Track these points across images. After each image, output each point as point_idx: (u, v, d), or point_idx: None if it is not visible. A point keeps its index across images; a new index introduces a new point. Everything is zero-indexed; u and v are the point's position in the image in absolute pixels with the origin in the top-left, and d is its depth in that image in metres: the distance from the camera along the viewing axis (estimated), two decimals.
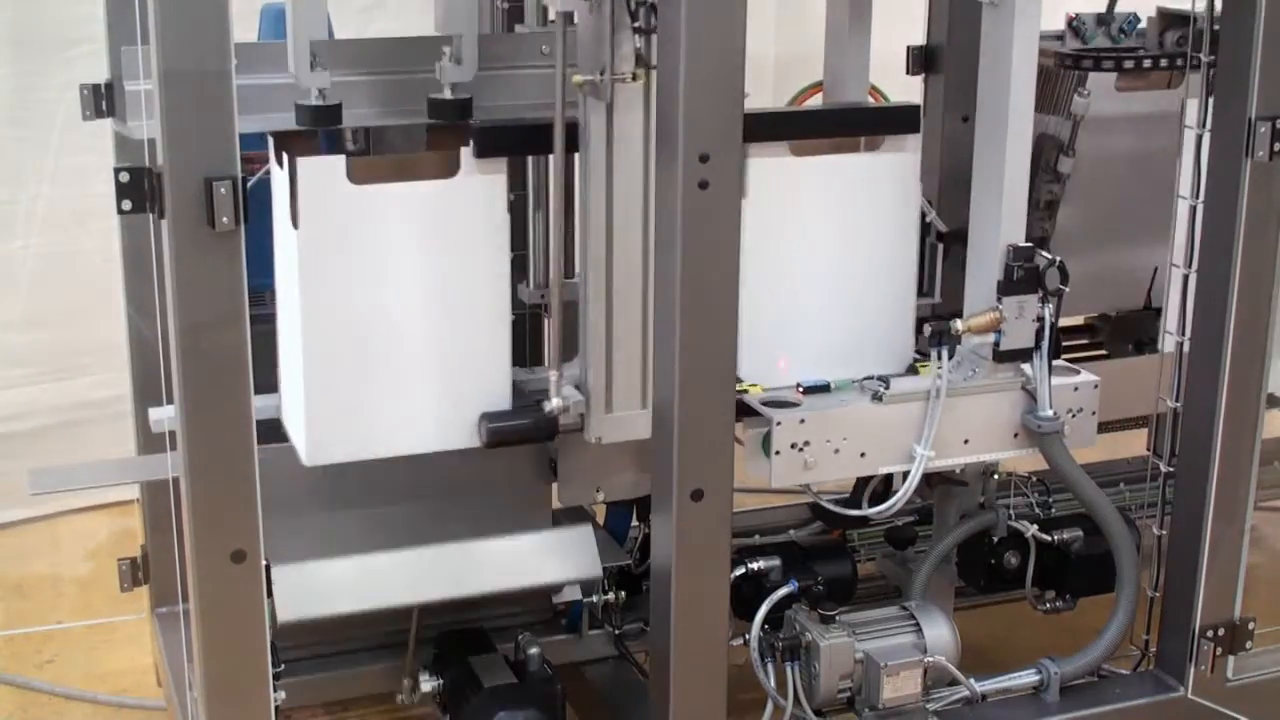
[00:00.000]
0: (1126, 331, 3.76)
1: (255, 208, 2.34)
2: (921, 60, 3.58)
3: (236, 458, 2.32)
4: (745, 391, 2.86)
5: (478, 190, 2.76)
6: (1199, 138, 2.91)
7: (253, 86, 2.66)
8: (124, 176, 2.29)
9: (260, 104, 2.71)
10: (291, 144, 2.68)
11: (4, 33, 4.31)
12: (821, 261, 2.98)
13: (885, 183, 2.99)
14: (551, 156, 2.86)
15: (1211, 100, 2.88)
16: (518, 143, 2.88)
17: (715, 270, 2.56)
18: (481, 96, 2.84)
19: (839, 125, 3.06)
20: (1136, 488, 3.59)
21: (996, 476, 3.31)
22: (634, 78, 2.71)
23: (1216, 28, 2.85)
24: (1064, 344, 3.51)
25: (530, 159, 3.17)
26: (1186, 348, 3.01)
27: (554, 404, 2.85)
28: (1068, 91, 3.36)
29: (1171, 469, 3.08)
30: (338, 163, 2.67)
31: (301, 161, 2.64)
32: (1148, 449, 3.25)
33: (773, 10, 5.02)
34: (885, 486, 3.25)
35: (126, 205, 2.30)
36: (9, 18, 4.31)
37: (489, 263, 2.81)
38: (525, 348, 3.41)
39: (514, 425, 2.84)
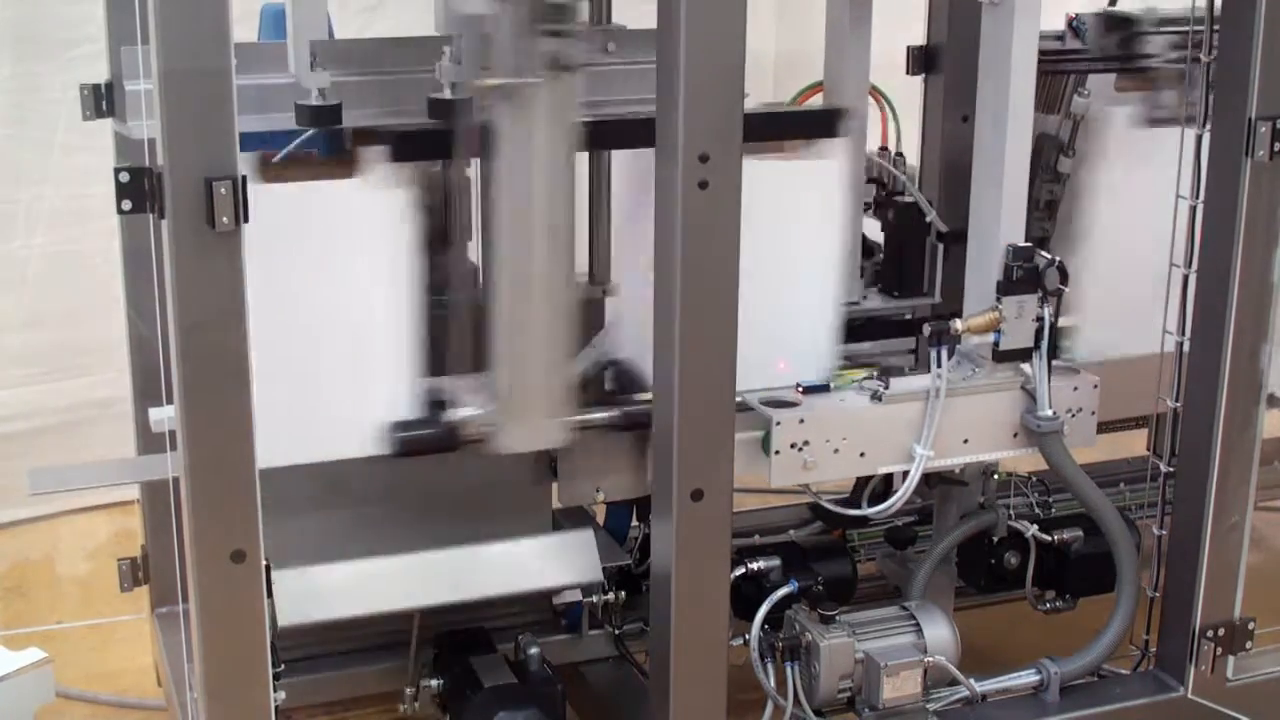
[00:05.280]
0: None
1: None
2: (921, 60, 3.58)
3: (236, 458, 2.32)
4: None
5: (380, 193, 2.69)
6: (1199, 138, 2.92)
7: (253, 86, 2.67)
8: (124, 176, 2.29)
9: (260, 104, 2.71)
10: None
11: (4, 33, 4.31)
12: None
13: (805, 189, 2.92)
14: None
15: (1211, 100, 2.88)
16: (423, 147, 2.82)
17: (715, 270, 2.56)
18: None
19: (756, 130, 2.87)
20: (1136, 488, 3.59)
21: (996, 476, 3.31)
22: (544, 80, 2.60)
23: (1216, 28, 2.85)
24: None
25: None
26: (1186, 348, 3.01)
27: (460, 413, 2.79)
28: (1068, 91, 3.36)
29: (1171, 469, 3.08)
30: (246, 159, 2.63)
31: None
32: (1148, 449, 3.25)
33: (773, 10, 5.02)
34: (885, 486, 3.26)
35: (126, 205, 2.30)
36: (9, 18, 4.31)
37: (392, 268, 2.74)
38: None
39: (421, 435, 2.78)
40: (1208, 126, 2.89)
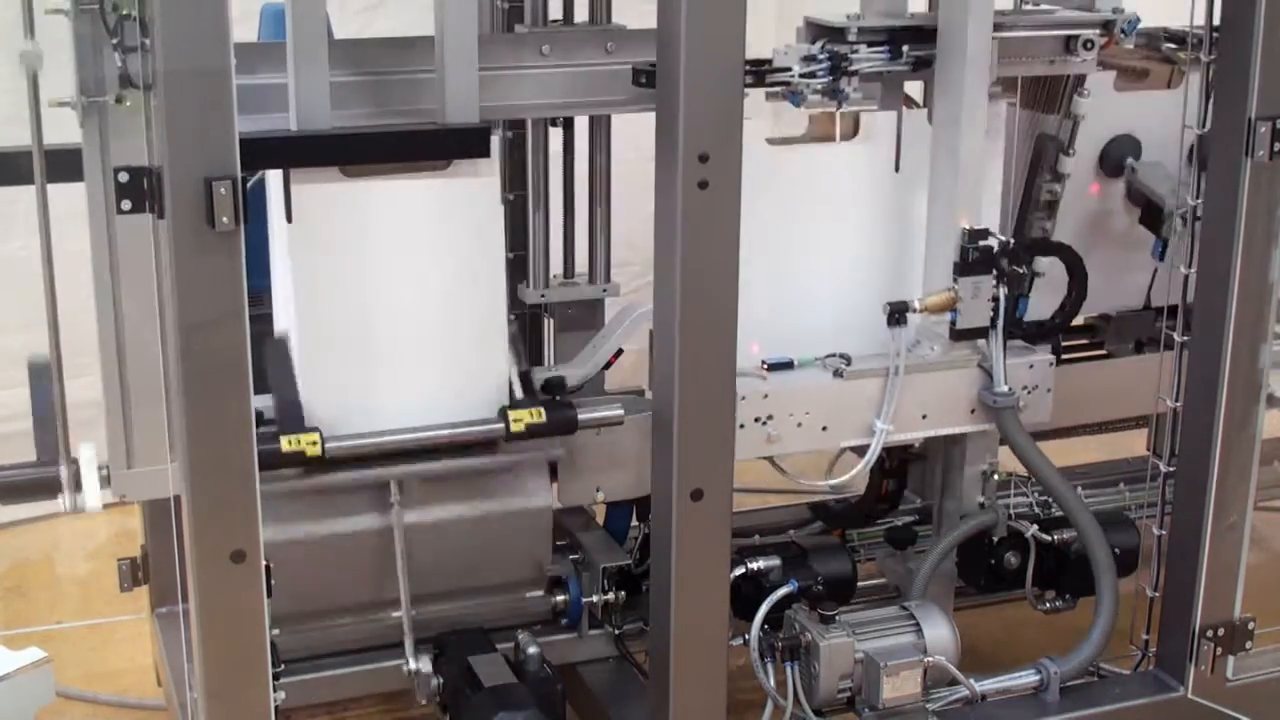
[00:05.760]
0: (1126, 331, 3.76)
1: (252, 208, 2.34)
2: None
3: (236, 458, 2.32)
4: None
5: None
6: (1199, 137, 2.92)
7: (253, 86, 2.67)
8: (124, 176, 2.29)
9: (260, 104, 2.71)
10: None
11: (4, 32, 4.30)
12: (392, 296, 2.84)
13: (458, 209, 2.84)
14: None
15: (1211, 100, 2.89)
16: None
17: (715, 270, 2.56)
18: (482, 96, 2.84)
19: (396, 149, 2.80)
20: (1136, 488, 3.59)
21: (996, 476, 3.32)
22: (119, 100, 2.48)
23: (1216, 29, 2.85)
24: (1064, 344, 3.52)
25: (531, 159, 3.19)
26: (1186, 348, 3.01)
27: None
28: (1068, 91, 3.36)
29: (1171, 469, 3.08)
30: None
31: None
32: (1148, 449, 3.25)
33: (773, 10, 5.01)
34: (899, 487, 3.29)
35: (126, 205, 2.30)
36: (10, 17, 4.30)
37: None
38: (527, 346, 3.41)
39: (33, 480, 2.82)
40: (1208, 126, 2.90)
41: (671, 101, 2.49)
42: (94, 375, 4.42)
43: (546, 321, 3.40)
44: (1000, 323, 3.01)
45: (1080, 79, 3.31)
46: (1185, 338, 3.00)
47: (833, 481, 3.16)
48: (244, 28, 2.82)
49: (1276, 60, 2.78)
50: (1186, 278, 2.98)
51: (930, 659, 2.96)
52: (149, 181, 2.27)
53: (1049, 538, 3.30)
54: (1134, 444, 3.68)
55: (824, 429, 3.00)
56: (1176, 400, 3.04)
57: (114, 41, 2.44)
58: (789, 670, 2.97)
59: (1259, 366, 2.95)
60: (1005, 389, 3.05)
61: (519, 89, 2.95)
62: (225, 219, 2.20)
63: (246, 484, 2.34)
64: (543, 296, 3.31)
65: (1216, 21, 2.86)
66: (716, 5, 2.44)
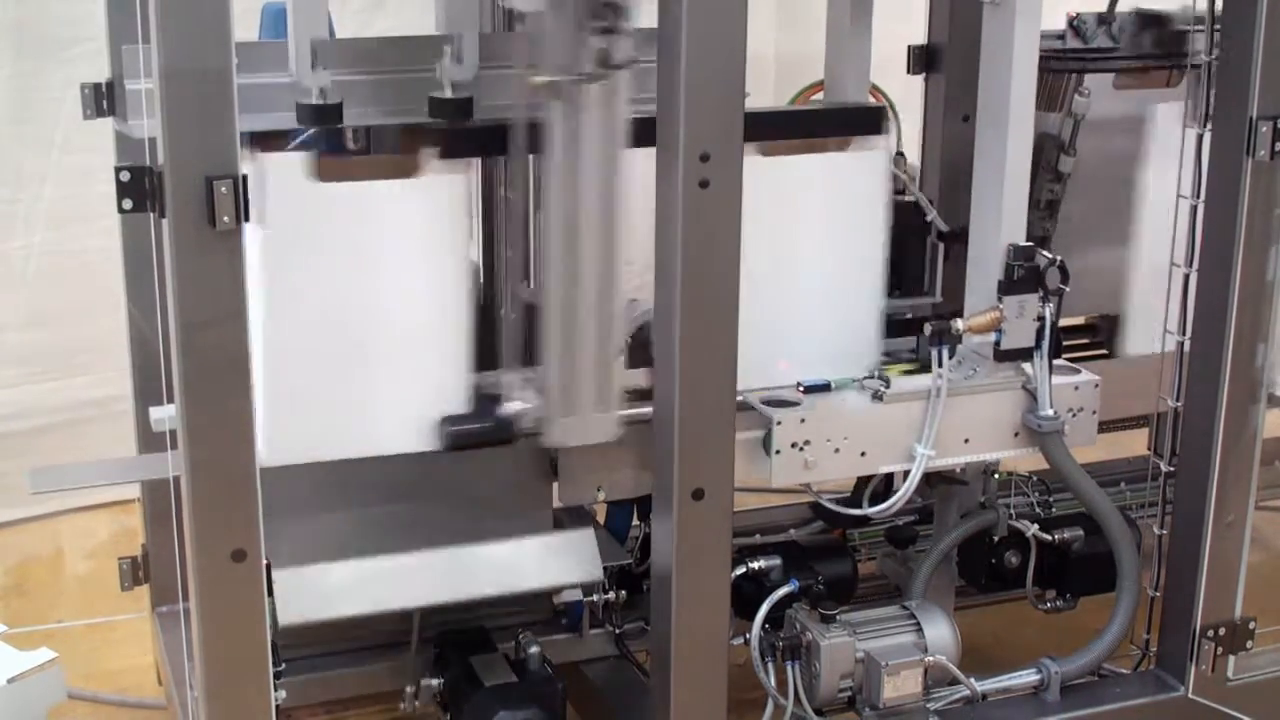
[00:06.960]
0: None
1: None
2: (922, 60, 3.58)
3: (236, 457, 2.32)
4: None
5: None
6: (1199, 137, 2.92)
7: (253, 86, 2.66)
8: (125, 175, 2.29)
9: (261, 103, 2.71)
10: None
11: (5, 32, 4.31)
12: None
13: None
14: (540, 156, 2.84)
15: (1212, 99, 2.88)
16: (479, 144, 2.85)
17: (715, 270, 2.56)
18: (482, 95, 2.84)
19: (803, 127, 3.00)
20: (1137, 488, 3.59)
21: (997, 476, 3.31)
22: (597, 78, 2.62)
23: (1217, 28, 2.85)
24: (1064, 343, 3.52)
25: (532, 158, 3.18)
26: (1186, 348, 3.01)
27: (511, 408, 2.81)
28: (1068, 90, 3.36)
29: (1172, 469, 3.08)
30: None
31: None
32: (1148, 449, 3.25)
33: (773, 10, 5.02)
34: (886, 486, 3.26)
35: (127, 204, 2.30)
36: (10, 17, 4.31)
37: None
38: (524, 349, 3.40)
39: (473, 429, 2.81)
40: (1209, 126, 2.90)
41: (671, 101, 2.49)
42: (94, 374, 4.48)
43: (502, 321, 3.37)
44: (1045, 343, 2.93)
45: (1081, 78, 3.30)
46: (1185, 337, 3.00)
47: (871, 510, 3.07)
48: (244, 26, 2.82)
49: (1277, 60, 2.78)
50: (1187, 277, 2.98)
51: (931, 658, 2.96)
52: (150, 181, 2.27)
53: (1050, 537, 3.30)
54: (1134, 443, 3.67)
55: (863, 454, 2.89)
56: (1177, 400, 3.04)
57: (598, 25, 2.58)
58: (790, 669, 2.97)
59: (1259, 366, 2.95)
60: (1050, 412, 2.95)
61: (519, 88, 2.94)
62: (226, 218, 2.21)
63: (247, 483, 2.34)
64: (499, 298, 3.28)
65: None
66: (716, 5, 2.44)
